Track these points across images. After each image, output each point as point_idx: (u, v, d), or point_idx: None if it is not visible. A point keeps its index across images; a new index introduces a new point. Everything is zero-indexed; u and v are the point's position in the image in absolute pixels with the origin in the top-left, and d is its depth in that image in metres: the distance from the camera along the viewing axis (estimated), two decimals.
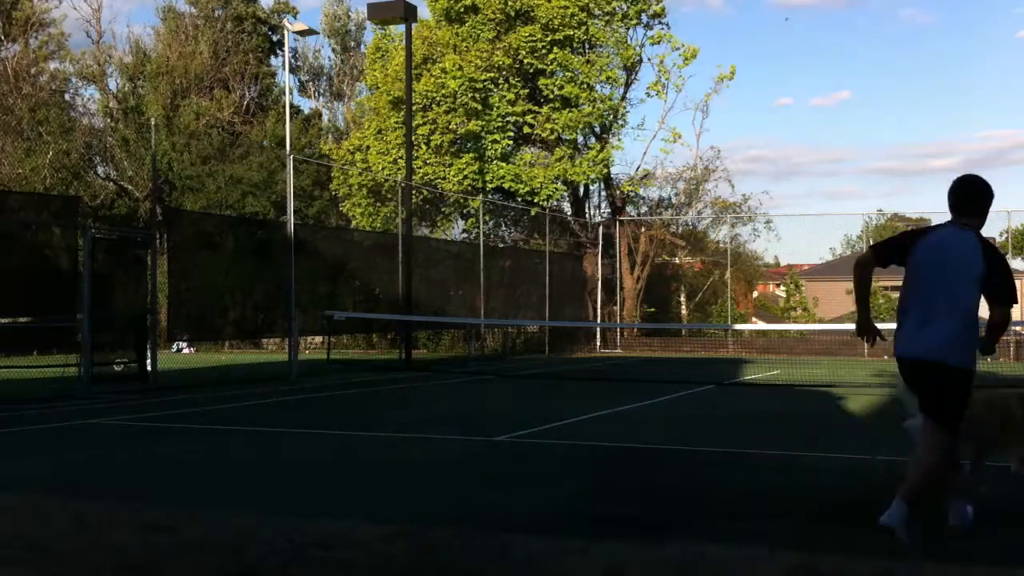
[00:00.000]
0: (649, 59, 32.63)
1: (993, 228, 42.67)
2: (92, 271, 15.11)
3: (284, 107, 32.02)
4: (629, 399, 14.16)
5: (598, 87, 30.81)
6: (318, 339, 28.82)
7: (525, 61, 29.68)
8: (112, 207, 38.96)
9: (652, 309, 34.92)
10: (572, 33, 29.70)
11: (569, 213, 34.24)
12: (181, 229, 19.79)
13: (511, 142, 30.98)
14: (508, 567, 1.13)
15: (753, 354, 29.26)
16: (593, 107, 30.13)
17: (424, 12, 30.41)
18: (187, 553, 1.20)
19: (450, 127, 29.95)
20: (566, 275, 31.63)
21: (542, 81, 30.13)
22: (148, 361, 16.36)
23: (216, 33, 43.50)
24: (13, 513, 1.38)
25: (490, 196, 30.72)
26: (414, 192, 25.93)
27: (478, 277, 26.03)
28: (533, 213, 30.90)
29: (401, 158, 27.67)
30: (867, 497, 6.71)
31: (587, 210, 35.13)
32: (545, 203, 30.74)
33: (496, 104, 29.69)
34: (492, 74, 29.54)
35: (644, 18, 31.73)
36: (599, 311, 32.53)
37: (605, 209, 35.42)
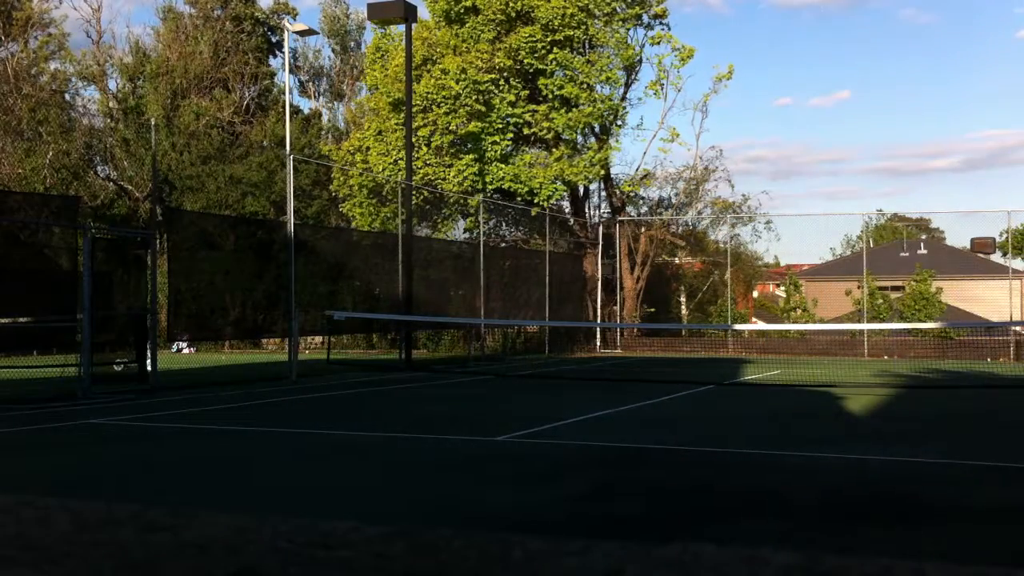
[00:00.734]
0: (648, 59, 32.67)
1: (993, 228, 42.74)
2: (92, 271, 15.10)
3: (284, 107, 32.04)
4: (629, 399, 14.17)
5: (598, 87, 30.82)
6: (318, 339, 28.84)
7: (525, 61, 29.68)
8: (112, 207, 38.95)
9: (652, 309, 34.93)
10: (572, 33, 29.70)
11: (569, 213, 34.25)
12: (181, 229, 19.79)
13: (511, 143, 30.98)
14: (508, 567, 1.13)
15: (753, 354, 29.27)
16: (593, 107, 30.13)
17: (424, 13, 30.43)
18: (187, 553, 1.20)
19: (450, 128, 29.96)
20: (566, 275, 31.63)
21: (542, 81, 30.13)
22: (148, 361, 16.36)
23: (216, 33, 43.49)
24: (13, 513, 1.38)
25: (490, 196, 30.72)
26: (414, 192, 25.92)
27: (478, 277, 26.03)
28: (533, 213, 30.90)
29: (401, 159, 27.67)
30: (867, 497, 6.71)
31: (587, 210, 35.13)
32: (545, 204, 30.74)
33: (497, 105, 29.69)
34: (493, 75, 29.54)
35: (645, 19, 31.75)
36: (599, 311, 32.53)
37: (605, 209, 35.45)
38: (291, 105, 36.62)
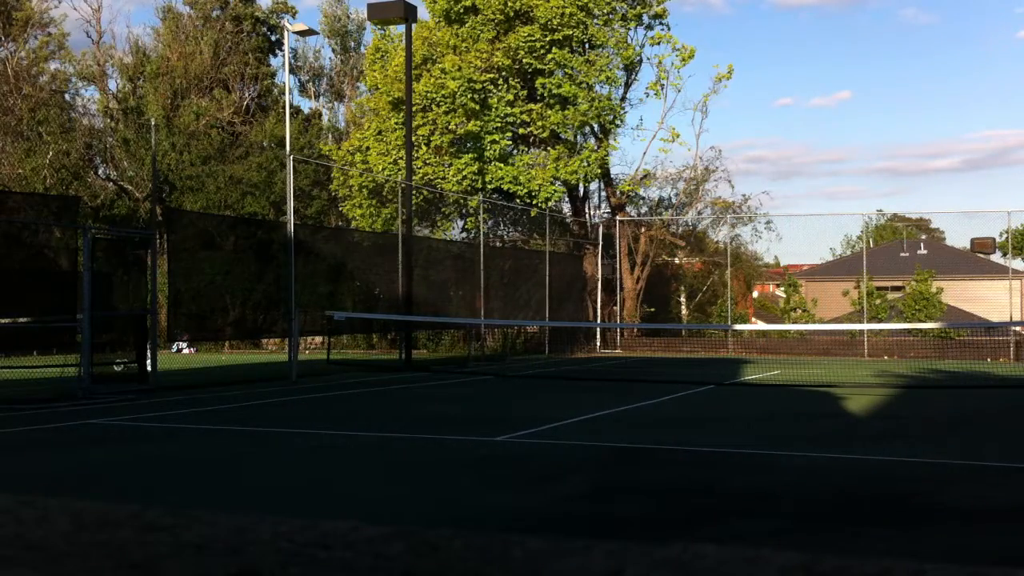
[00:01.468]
0: (648, 59, 32.68)
1: (993, 228, 42.75)
2: (92, 271, 15.10)
3: (284, 107, 32.02)
4: (629, 399, 14.17)
5: (597, 87, 30.82)
6: (318, 339, 28.84)
7: (524, 61, 29.69)
8: (112, 207, 38.96)
9: (652, 309, 34.94)
10: (571, 33, 29.71)
11: (569, 213, 34.25)
12: (181, 229, 19.79)
13: (509, 142, 30.98)
14: (508, 567, 1.13)
15: (753, 354, 29.27)
16: (591, 106, 30.13)
17: (424, 13, 30.43)
18: (187, 553, 1.20)
19: (450, 127, 29.96)
20: (566, 275, 31.64)
21: (540, 81, 30.14)
22: (148, 361, 16.36)
23: (216, 33, 43.50)
24: (13, 513, 1.38)
25: (490, 196, 30.72)
26: (414, 192, 25.93)
27: (478, 277, 26.03)
28: (533, 214, 30.91)
29: (401, 159, 27.68)
30: (867, 497, 6.71)
31: (587, 210, 35.14)
32: (544, 205, 30.75)
33: (495, 105, 29.69)
34: (491, 75, 29.54)
35: (645, 19, 31.76)
36: (599, 311, 32.53)
37: (605, 209, 35.46)
38: (291, 105, 36.65)
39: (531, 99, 30.75)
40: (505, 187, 30.32)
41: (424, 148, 30.11)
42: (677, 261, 38.19)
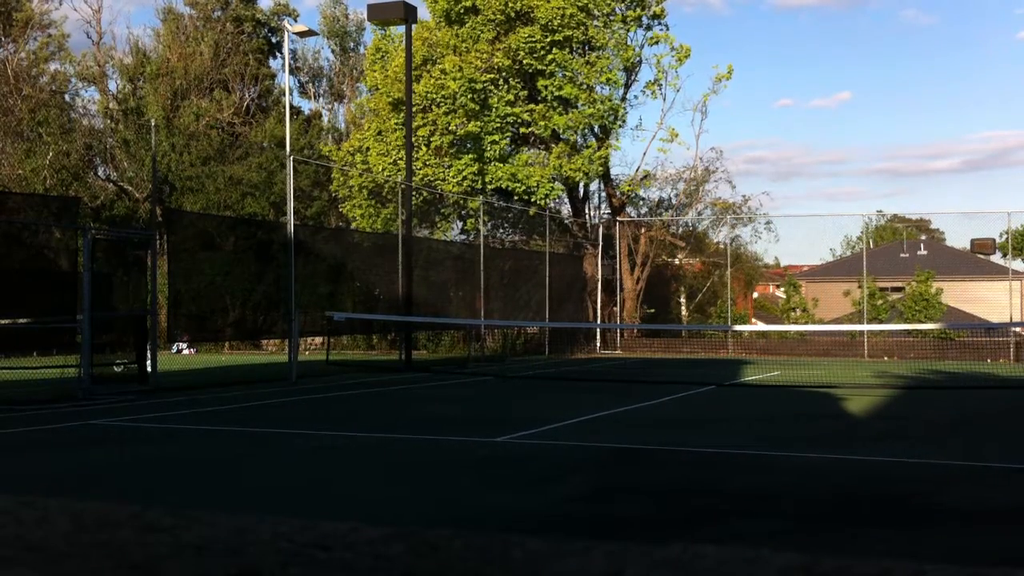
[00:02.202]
0: (647, 60, 32.68)
1: (993, 229, 42.73)
2: (92, 272, 15.10)
3: (284, 108, 32.04)
4: (629, 400, 14.16)
5: (598, 88, 30.83)
6: (318, 340, 28.83)
7: (524, 62, 29.69)
8: (112, 208, 38.96)
9: (652, 310, 34.94)
10: (571, 34, 29.71)
11: (569, 214, 34.25)
12: (181, 230, 19.79)
13: (509, 142, 30.98)
14: (508, 567, 1.13)
15: (753, 355, 29.26)
16: (593, 108, 30.14)
17: (424, 13, 30.44)
18: (187, 553, 1.20)
19: (450, 128, 29.96)
20: (566, 276, 31.64)
21: (541, 82, 30.14)
22: (148, 362, 16.36)
23: (216, 34, 43.51)
24: (13, 514, 1.38)
25: (490, 198, 30.72)
26: (414, 193, 25.93)
27: (478, 278, 26.03)
28: (532, 213, 30.90)
29: (401, 159, 27.67)
30: (867, 497, 6.71)
31: (587, 211, 35.14)
32: (543, 202, 30.74)
33: (495, 105, 29.70)
34: (492, 75, 29.55)
35: (644, 19, 31.76)
36: (599, 312, 32.53)
37: (605, 210, 35.45)
38: (291, 106, 36.63)
39: (531, 99, 30.75)
40: (504, 185, 30.30)
41: (424, 149, 30.11)
42: (677, 262, 38.20)
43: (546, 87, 30.01)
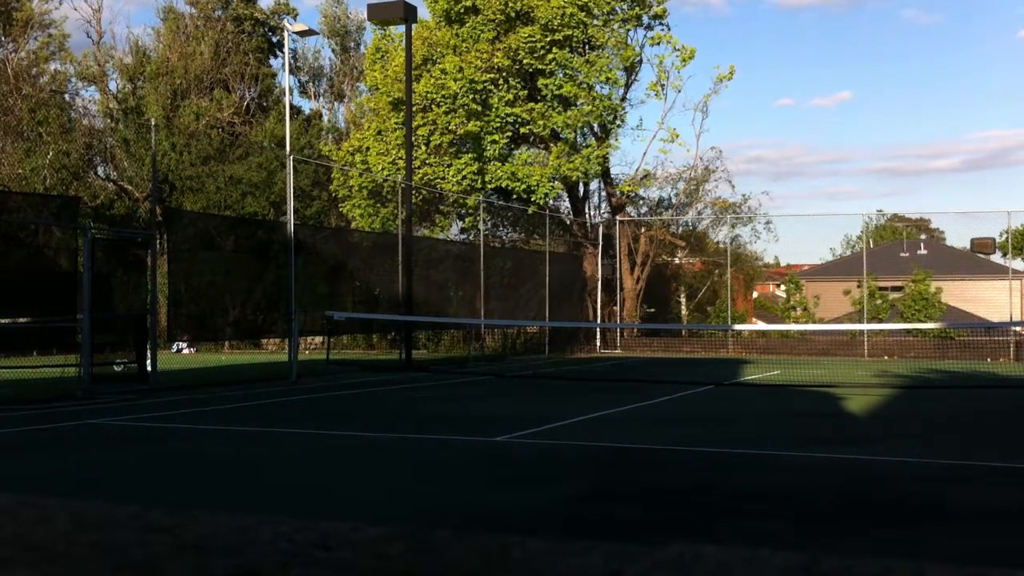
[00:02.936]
0: (648, 60, 32.67)
1: (993, 228, 42.76)
2: (92, 271, 15.10)
3: (284, 108, 32.04)
4: (629, 399, 14.17)
5: (598, 87, 30.82)
6: (318, 339, 28.82)
7: (524, 61, 29.69)
8: (112, 207, 38.94)
9: (652, 309, 34.93)
10: (571, 33, 29.71)
11: (569, 213, 34.25)
12: (181, 229, 19.79)
13: (508, 142, 30.97)
14: (508, 567, 1.13)
15: (753, 354, 29.26)
16: (592, 106, 30.13)
17: (424, 13, 30.43)
18: (187, 553, 1.20)
19: (450, 127, 29.96)
20: (566, 275, 31.64)
21: (541, 81, 30.14)
22: (148, 361, 16.36)
23: (216, 34, 43.50)
24: (13, 513, 1.38)
25: (489, 196, 30.72)
26: (414, 192, 25.93)
27: (478, 278, 26.03)
28: (531, 212, 30.90)
29: (401, 159, 27.67)
30: (867, 497, 6.71)
31: (587, 210, 35.14)
32: (542, 202, 30.74)
33: (495, 105, 29.70)
34: (492, 75, 29.55)
35: (645, 19, 31.75)
36: (599, 311, 32.53)
37: (605, 209, 35.45)
38: (291, 106, 36.61)
39: (532, 99, 30.75)
40: (503, 184, 30.29)
41: (424, 148, 30.11)
42: (677, 261, 38.20)
43: (546, 86, 30.01)
